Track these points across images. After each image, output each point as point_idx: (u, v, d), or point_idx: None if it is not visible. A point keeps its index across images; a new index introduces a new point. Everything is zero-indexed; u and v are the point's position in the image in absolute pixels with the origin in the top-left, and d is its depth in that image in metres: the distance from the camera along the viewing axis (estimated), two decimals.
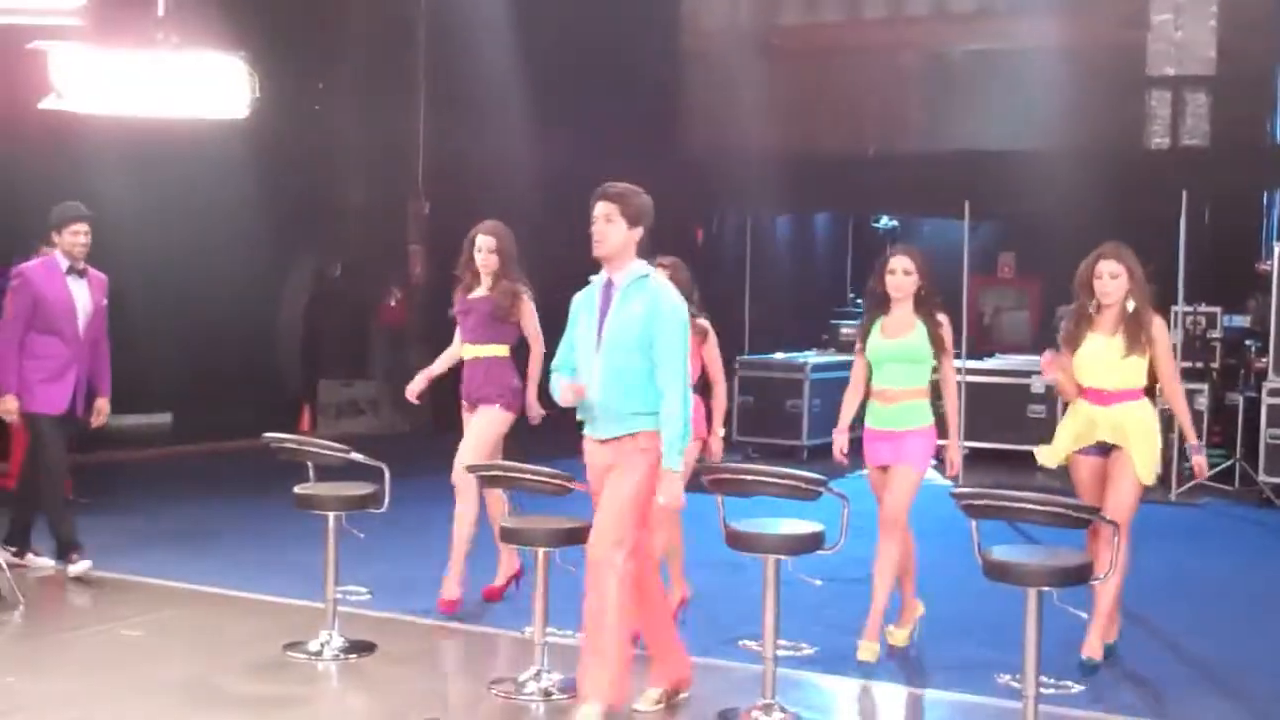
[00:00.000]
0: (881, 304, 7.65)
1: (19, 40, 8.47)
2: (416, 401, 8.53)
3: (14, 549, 9.29)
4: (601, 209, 6.35)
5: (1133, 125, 15.77)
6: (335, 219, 17.30)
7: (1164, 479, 13.15)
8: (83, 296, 9.17)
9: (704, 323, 8.14)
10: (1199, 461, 7.75)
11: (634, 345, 6.23)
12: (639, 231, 6.36)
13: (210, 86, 8.82)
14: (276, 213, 15.33)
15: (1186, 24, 15.56)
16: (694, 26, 18.01)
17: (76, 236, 9.05)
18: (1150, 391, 7.47)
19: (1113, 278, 7.30)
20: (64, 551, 9.18)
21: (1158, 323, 7.36)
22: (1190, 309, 13.77)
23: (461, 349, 8.51)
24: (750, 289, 17.60)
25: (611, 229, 6.32)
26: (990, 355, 16.29)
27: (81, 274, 9.16)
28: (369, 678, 7.27)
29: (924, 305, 7.60)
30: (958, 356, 14.91)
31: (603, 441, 6.33)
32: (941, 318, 7.61)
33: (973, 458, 14.37)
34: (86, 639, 7.83)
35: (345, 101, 16.54)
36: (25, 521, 9.41)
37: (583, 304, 6.52)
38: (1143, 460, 7.31)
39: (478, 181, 16.13)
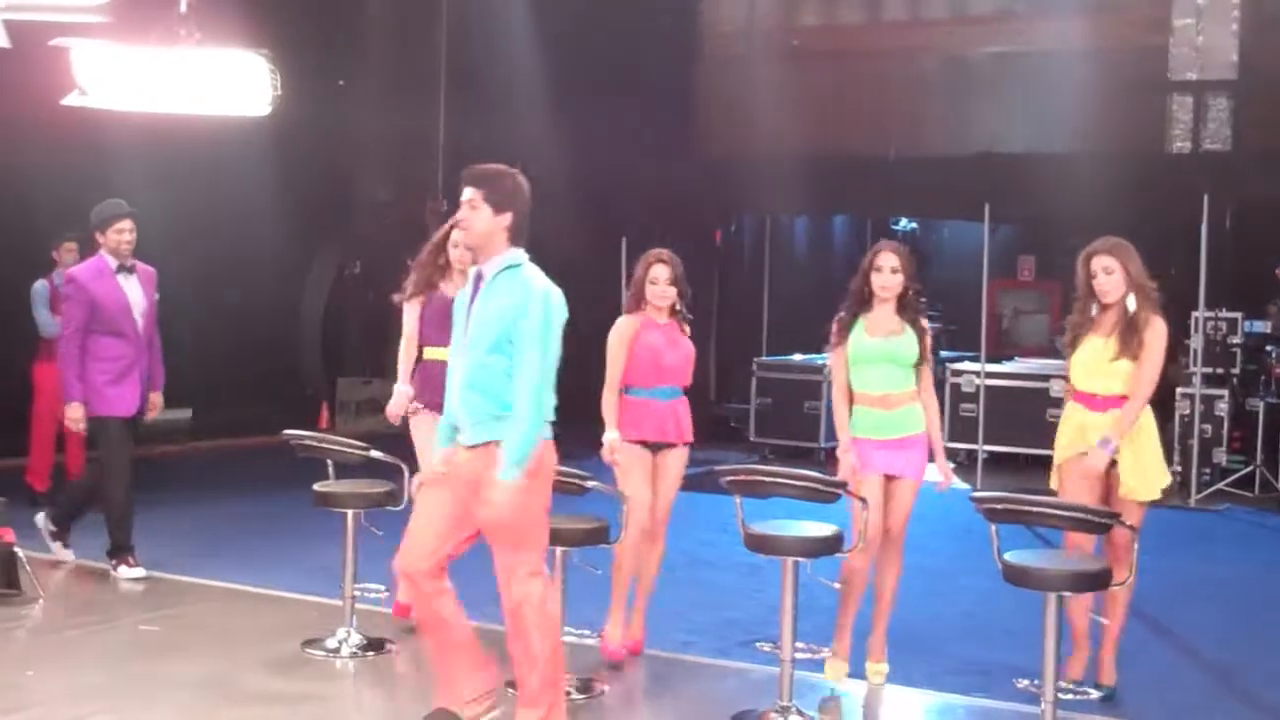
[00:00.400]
0: (865, 303, 7.12)
1: (42, 37, 8.49)
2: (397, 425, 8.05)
3: (55, 529, 9.35)
4: (465, 194, 5.76)
5: (1154, 129, 15.70)
6: (355, 216, 17.35)
7: (1183, 484, 13.15)
8: (136, 293, 9.07)
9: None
10: (1094, 454, 6.81)
11: (495, 342, 5.64)
12: (508, 217, 5.72)
13: (232, 83, 8.83)
14: (297, 209, 15.37)
15: (1208, 28, 15.50)
16: (713, 28, 18.00)
17: (121, 235, 8.94)
18: (1154, 400, 6.97)
19: (1107, 274, 6.86)
20: (116, 553, 9.06)
21: (1154, 326, 6.82)
22: (1211, 314, 13.72)
23: (422, 350, 7.98)
24: (769, 291, 17.60)
25: (476, 215, 5.73)
26: (1009, 359, 16.28)
27: (131, 270, 9.06)
28: (386, 675, 7.29)
29: (909, 309, 7.14)
30: (975, 359, 15.02)
31: (470, 448, 5.74)
32: (925, 324, 7.18)
33: (991, 462, 14.37)
34: (105, 634, 7.85)
35: (366, 99, 16.57)
36: (74, 509, 9.40)
37: (460, 300, 5.95)
38: (1139, 475, 6.85)
39: None
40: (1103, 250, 6.91)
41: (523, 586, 5.67)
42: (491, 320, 5.66)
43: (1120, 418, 6.81)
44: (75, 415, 8.93)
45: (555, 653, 5.79)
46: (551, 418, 5.69)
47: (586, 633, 7.18)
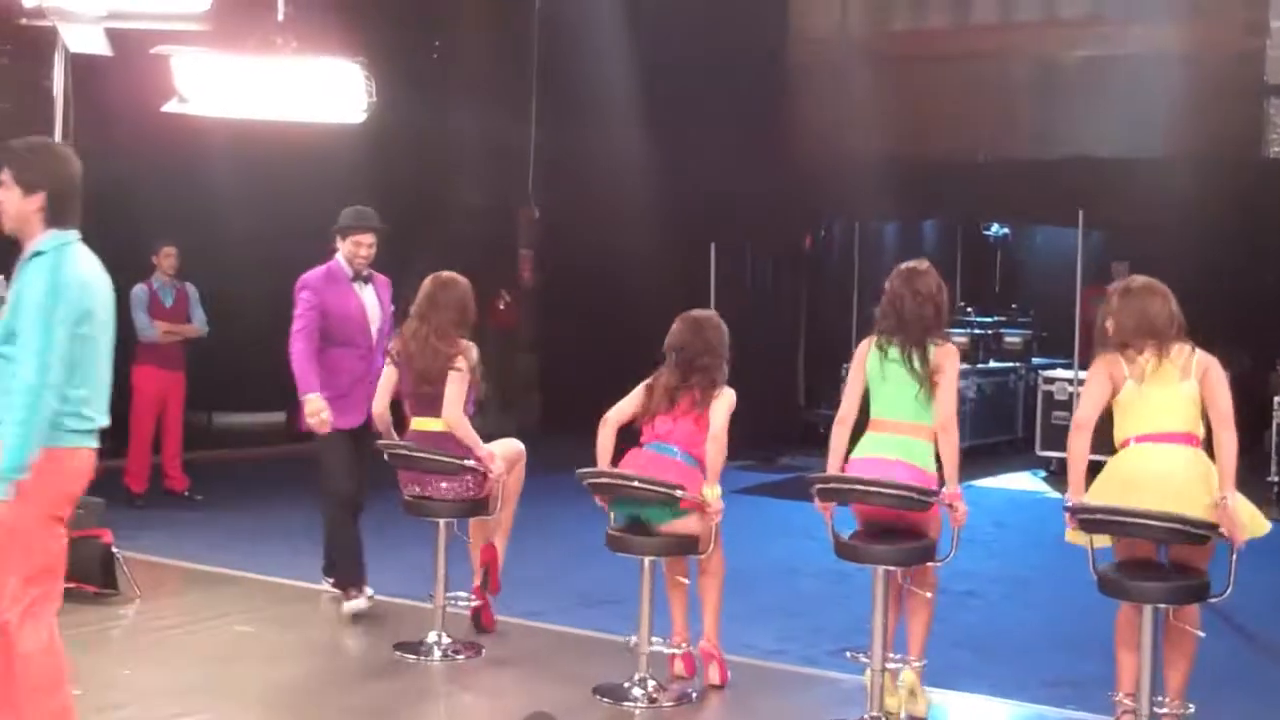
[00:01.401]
0: None
1: (143, 46, 8.62)
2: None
3: (343, 590, 8.38)
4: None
5: (1250, 133, 15.49)
6: (447, 222, 17.46)
7: None
8: (372, 303, 8.52)
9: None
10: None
11: (6, 336, 4.96)
12: (40, 198, 5.04)
13: (328, 91, 8.93)
14: (390, 216, 15.40)
15: None
16: (802, 34, 17.93)
17: (359, 247, 8.44)
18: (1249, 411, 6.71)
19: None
20: (341, 583, 8.43)
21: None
22: None
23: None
24: (859, 298, 17.55)
25: (7, 197, 5.08)
26: None
27: (367, 280, 8.53)
28: (476, 679, 7.34)
29: None
30: (1068, 366, 14.90)
31: None
32: None
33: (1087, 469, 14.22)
34: (201, 634, 7.95)
35: (459, 107, 16.69)
36: (342, 554, 8.45)
37: None
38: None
39: (587, 188, 16.23)
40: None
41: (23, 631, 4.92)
42: (6, 311, 5.02)
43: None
44: (314, 408, 8.15)
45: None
46: (84, 425, 5.03)
47: (675, 642, 7.17)
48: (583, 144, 16.13)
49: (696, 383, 7.05)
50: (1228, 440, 6.11)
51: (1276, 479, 13.15)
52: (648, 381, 7.20)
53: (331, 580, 8.68)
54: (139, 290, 11.65)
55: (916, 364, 6.59)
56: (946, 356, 6.64)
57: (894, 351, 6.65)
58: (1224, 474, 6.02)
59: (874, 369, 6.70)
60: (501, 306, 17.15)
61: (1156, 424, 6.19)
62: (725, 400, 7.08)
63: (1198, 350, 6.25)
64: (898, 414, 6.64)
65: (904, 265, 6.90)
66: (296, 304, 8.36)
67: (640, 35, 16.00)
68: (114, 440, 11.52)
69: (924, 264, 6.89)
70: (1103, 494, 6.16)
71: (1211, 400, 6.18)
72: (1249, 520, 6.04)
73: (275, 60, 8.75)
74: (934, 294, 6.73)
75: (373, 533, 8.45)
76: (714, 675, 7.14)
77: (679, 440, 7.04)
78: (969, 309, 18.64)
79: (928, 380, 6.57)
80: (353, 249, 8.47)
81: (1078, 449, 6.33)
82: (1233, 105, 15.35)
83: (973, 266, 20.79)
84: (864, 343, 6.82)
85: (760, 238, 16.81)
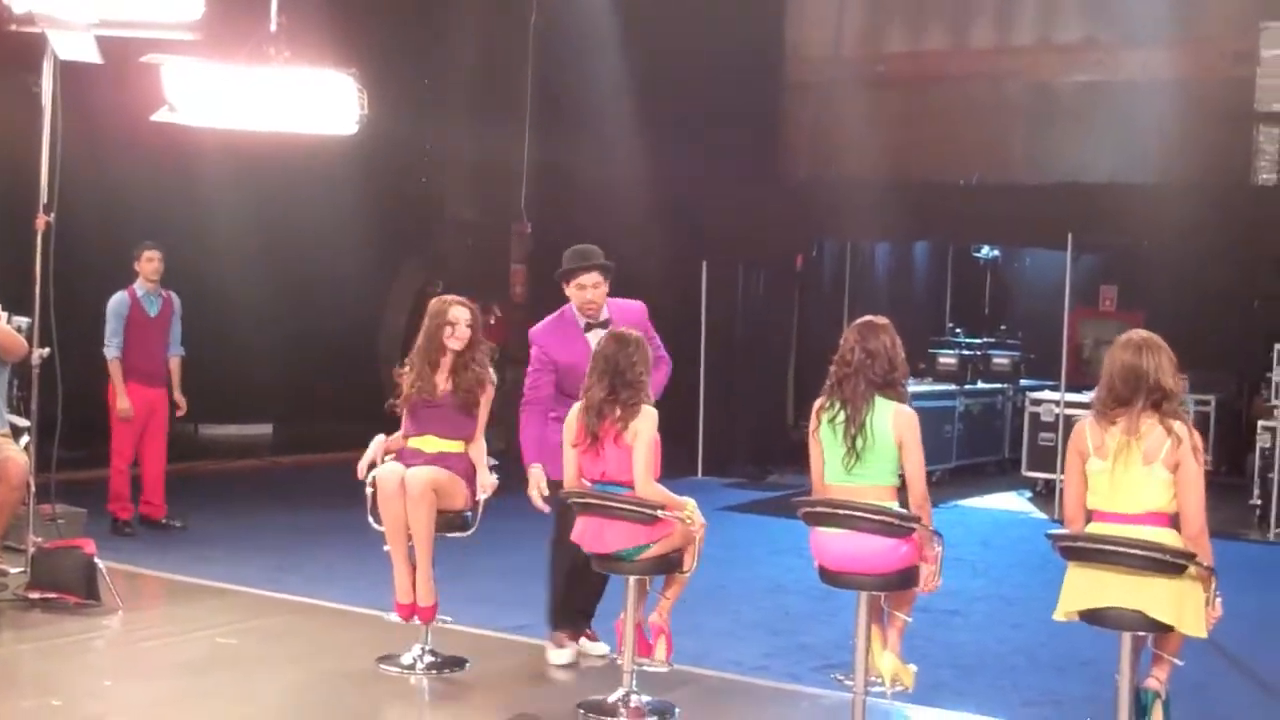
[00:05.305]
0: None
1: (133, 54, 8.60)
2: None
3: (559, 633, 7.81)
4: None
5: (1239, 160, 15.52)
6: (439, 236, 17.47)
7: (1263, 517, 12.98)
8: None
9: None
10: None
11: None
12: None
13: (320, 102, 8.90)
14: (381, 228, 15.51)
15: None
16: (798, 54, 17.95)
17: (583, 291, 7.64)
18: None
19: None
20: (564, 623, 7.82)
21: None
22: None
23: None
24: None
25: None
26: (1089, 388, 16.13)
27: (605, 326, 7.50)
28: (459, 693, 7.31)
29: None
30: (1055, 388, 14.92)
31: None
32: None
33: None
34: (183, 645, 7.93)
35: (452, 121, 16.72)
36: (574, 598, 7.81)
37: None
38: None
39: (579, 204, 16.22)
40: None
41: None
42: None
43: None
44: (535, 479, 7.51)
45: None
46: None
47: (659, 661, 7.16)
48: (576, 159, 16.14)
49: (624, 399, 6.77)
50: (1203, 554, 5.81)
51: (1259, 501, 13.15)
52: (574, 417, 6.95)
53: (568, 633, 7.81)
54: (118, 300, 10.89)
55: (870, 426, 6.37)
56: (906, 426, 6.42)
57: (844, 413, 6.41)
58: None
59: (826, 434, 6.47)
60: (493, 321, 17.14)
61: (1118, 504, 5.98)
62: (646, 428, 6.78)
63: (1178, 432, 5.89)
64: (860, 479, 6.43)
65: (860, 320, 6.70)
66: (530, 362, 7.73)
67: (634, 51, 16.03)
68: (92, 450, 11.43)
69: (881, 319, 6.68)
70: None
71: (1181, 505, 5.88)
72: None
73: (267, 70, 8.73)
74: (887, 350, 6.52)
75: (360, 545, 8.41)
76: (660, 652, 6.98)
77: (614, 474, 6.85)
78: (958, 330, 18.68)
79: (883, 443, 6.39)
80: (578, 294, 7.65)
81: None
82: (1222, 132, 15.38)
83: (962, 288, 20.87)
84: (818, 403, 6.54)
85: (752, 256, 16.81)
